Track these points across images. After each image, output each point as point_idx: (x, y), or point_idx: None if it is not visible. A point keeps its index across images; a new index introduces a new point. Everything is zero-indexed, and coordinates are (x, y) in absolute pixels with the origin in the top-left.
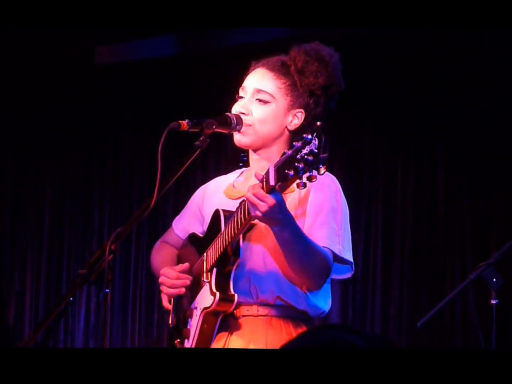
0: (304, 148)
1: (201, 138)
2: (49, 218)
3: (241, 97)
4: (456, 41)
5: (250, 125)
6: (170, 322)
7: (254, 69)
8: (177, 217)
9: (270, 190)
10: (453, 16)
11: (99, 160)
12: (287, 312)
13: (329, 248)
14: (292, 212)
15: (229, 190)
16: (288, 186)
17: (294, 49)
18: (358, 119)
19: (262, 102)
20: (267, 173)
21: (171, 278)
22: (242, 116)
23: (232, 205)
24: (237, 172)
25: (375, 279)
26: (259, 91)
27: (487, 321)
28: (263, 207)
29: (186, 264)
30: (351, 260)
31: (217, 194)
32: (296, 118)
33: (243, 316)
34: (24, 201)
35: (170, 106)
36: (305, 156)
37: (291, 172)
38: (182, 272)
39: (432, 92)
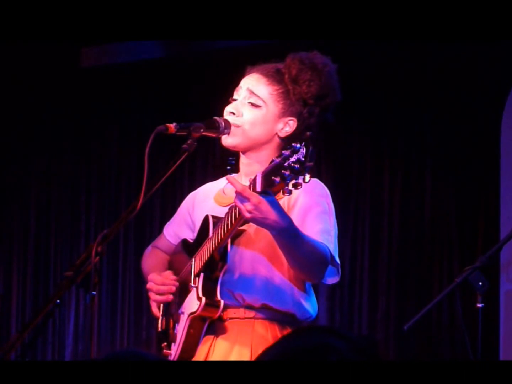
0: (292, 156)
1: (188, 142)
2: (35, 219)
3: (235, 100)
4: (447, 48)
5: (239, 126)
6: (159, 326)
7: (249, 73)
8: (168, 223)
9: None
10: (447, 28)
11: (86, 161)
12: (273, 315)
13: (325, 244)
14: None
15: (219, 196)
16: (276, 192)
17: (289, 56)
18: (346, 123)
19: (253, 105)
20: (255, 179)
21: (157, 284)
22: (232, 117)
23: (222, 212)
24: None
25: (362, 284)
26: (251, 93)
27: (473, 324)
28: (249, 206)
29: (170, 272)
30: (339, 262)
31: (207, 200)
32: (288, 126)
33: (230, 318)
34: (9, 203)
35: (158, 108)
36: (292, 164)
37: (278, 179)
38: (169, 278)
39: (419, 96)
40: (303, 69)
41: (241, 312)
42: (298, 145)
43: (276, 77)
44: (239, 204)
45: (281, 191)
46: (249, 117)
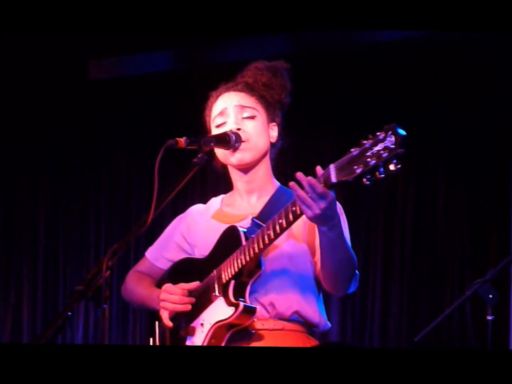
0: (376, 145)
1: (199, 155)
2: (44, 231)
3: (223, 123)
4: (461, 52)
5: (247, 140)
6: (156, 342)
7: (218, 97)
8: (151, 248)
9: (329, 188)
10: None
11: (95, 174)
12: (301, 326)
13: None
14: (301, 224)
15: (219, 215)
16: (350, 181)
17: (250, 68)
18: (357, 129)
19: (250, 118)
20: (327, 171)
21: (176, 294)
22: (239, 132)
23: None
24: (217, 198)
25: (374, 293)
26: (243, 107)
27: (483, 337)
28: (322, 203)
29: (183, 284)
30: (357, 272)
31: (204, 220)
32: (274, 131)
33: (258, 330)
34: (19, 215)
35: (169, 122)
36: (380, 152)
37: (360, 168)
38: (183, 287)
39: (432, 104)
40: (271, 75)
41: (270, 323)
42: (383, 135)
43: (248, 89)
44: (309, 201)
45: (364, 180)
46: (253, 129)
